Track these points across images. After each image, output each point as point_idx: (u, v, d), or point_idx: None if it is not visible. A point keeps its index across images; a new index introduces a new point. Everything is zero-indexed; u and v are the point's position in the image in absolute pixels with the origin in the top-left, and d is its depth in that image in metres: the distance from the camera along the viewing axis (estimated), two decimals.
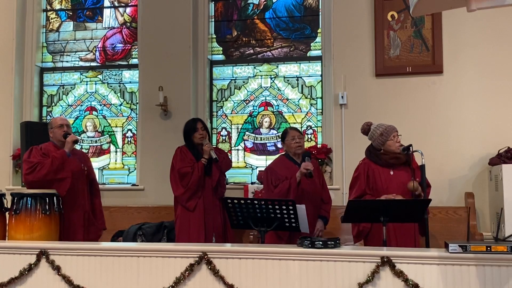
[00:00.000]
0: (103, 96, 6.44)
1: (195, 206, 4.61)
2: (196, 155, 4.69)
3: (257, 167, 6.03)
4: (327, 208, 4.48)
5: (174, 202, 4.75)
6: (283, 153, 4.62)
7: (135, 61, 6.33)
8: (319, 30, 6.01)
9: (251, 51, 6.21)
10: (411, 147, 3.94)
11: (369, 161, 4.12)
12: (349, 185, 4.21)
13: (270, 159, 5.91)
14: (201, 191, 4.64)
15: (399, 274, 2.95)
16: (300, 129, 5.88)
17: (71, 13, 6.64)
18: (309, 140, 5.93)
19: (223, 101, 6.20)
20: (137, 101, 6.22)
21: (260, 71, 6.16)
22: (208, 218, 4.63)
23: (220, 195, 4.76)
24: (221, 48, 6.26)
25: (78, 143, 4.34)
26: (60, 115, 6.46)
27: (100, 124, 6.41)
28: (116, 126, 6.39)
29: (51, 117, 6.48)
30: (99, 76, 6.48)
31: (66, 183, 4.14)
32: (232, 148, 6.14)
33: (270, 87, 6.12)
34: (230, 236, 4.79)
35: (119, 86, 6.42)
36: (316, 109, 5.99)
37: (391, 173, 4.03)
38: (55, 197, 3.98)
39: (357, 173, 4.12)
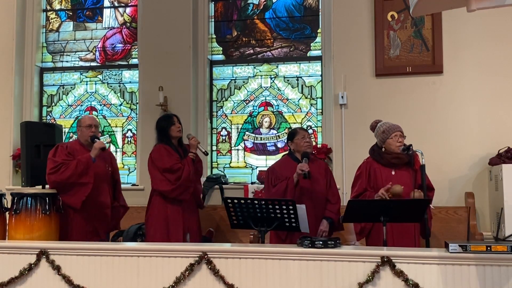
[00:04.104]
0: (103, 96, 6.44)
1: (189, 198, 4.52)
2: (177, 152, 4.58)
3: (257, 167, 6.03)
4: (333, 209, 4.31)
5: (151, 198, 4.60)
6: (285, 153, 4.60)
7: (135, 61, 6.33)
8: (319, 30, 6.01)
9: (251, 51, 6.21)
10: (411, 147, 3.94)
11: (372, 160, 4.14)
12: (352, 183, 4.21)
13: (270, 159, 5.92)
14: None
15: (399, 274, 2.96)
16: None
17: (71, 13, 6.64)
18: None
19: (223, 101, 6.20)
20: (137, 101, 6.22)
21: (260, 71, 6.16)
22: (185, 217, 4.53)
23: (197, 195, 4.70)
24: (221, 48, 6.26)
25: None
26: (60, 115, 6.47)
27: (100, 124, 6.40)
28: (116, 126, 6.39)
29: (51, 117, 6.49)
30: (99, 76, 6.48)
31: (87, 188, 4.17)
32: (232, 148, 6.14)
33: (270, 87, 6.12)
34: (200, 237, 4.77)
35: (119, 86, 6.42)
36: (316, 109, 5.99)
37: (393, 173, 4.04)
38: (55, 197, 3.99)
39: (359, 171, 4.15)
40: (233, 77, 6.21)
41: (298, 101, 6.05)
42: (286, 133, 6.00)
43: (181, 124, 4.72)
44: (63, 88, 6.55)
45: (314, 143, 5.88)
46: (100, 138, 6.10)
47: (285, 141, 4.60)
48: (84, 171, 4.14)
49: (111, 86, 6.44)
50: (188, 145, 4.66)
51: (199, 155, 4.72)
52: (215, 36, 6.27)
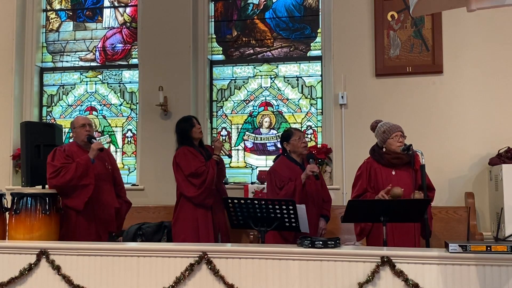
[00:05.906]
0: (103, 96, 6.44)
1: (212, 203, 4.51)
2: (201, 153, 4.60)
3: (257, 167, 6.03)
4: (328, 207, 4.51)
5: (179, 200, 4.59)
6: (280, 153, 4.61)
7: (135, 61, 6.33)
8: (319, 30, 6.01)
9: (251, 51, 6.21)
10: (411, 147, 3.94)
11: (372, 160, 4.14)
12: (352, 183, 4.22)
13: (270, 159, 5.91)
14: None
15: (399, 274, 2.96)
16: (300, 129, 5.89)
17: (71, 13, 6.64)
18: (309, 140, 5.93)
19: (223, 101, 6.20)
20: (137, 101, 6.22)
21: (260, 71, 6.16)
22: (214, 218, 4.56)
23: (223, 194, 4.72)
24: (221, 48, 6.26)
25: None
26: (60, 115, 6.47)
27: (100, 124, 6.41)
28: (116, 126, 6.39)
29: (51, 117, 6.49)
30: (99, 76, 6.48)
31: (88, 189, 4.17)
32: (232, 148, 6.14)
33: (270, 87, 6.12)
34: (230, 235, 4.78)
35: (119, 86, 6.42)
36: (316, 109, 5.99)
37: (393, 173, 4.04)
38: (55, 197, 4.00)
39: (360, 171, 4.15)
40: (233, 77, 6.21)
41: (298, 101, 6.05)
42: None
43: (200, 124, 4.74)
44: (63, 88, 6.55)
45: (314, 143, 5.90)
46: (99, 138, 6.13)
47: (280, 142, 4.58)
48: (84, 173, 4.14)
49: (111, 86, 6.44)
50: (208, 145, 4.67)
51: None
52: (215, 36, 6.27)
